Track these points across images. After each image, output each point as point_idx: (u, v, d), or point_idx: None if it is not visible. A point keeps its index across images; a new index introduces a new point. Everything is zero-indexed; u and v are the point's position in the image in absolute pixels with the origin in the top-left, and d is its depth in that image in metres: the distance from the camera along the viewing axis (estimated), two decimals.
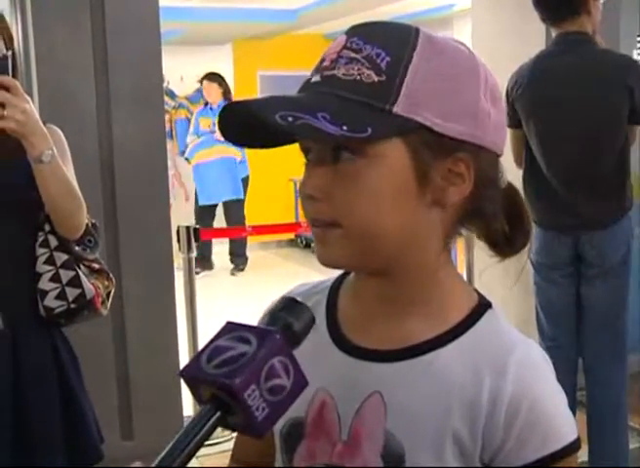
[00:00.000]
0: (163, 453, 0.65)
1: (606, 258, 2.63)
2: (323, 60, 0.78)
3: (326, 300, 0.89)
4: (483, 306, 0.84)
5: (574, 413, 2.66)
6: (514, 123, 2.65)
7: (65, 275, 1.82)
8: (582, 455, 2.77)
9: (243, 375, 0.65)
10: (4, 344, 1.78)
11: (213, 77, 6.84)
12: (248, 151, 6.98)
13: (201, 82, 6.95)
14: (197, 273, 6.65)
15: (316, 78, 0.77)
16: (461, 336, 0.80)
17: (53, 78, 2.75)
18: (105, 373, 2.86)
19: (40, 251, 1.81)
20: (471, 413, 0.77)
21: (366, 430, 0.81)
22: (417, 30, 0.78)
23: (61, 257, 1.82)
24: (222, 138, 0.82)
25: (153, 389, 2.94)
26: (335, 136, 0.71)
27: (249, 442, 0.95)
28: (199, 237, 3.49)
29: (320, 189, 0.77)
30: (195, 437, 0.66)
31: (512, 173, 2.85)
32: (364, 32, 0.78)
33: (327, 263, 0.81)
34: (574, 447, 0.80)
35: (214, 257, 7.11)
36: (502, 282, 3.50)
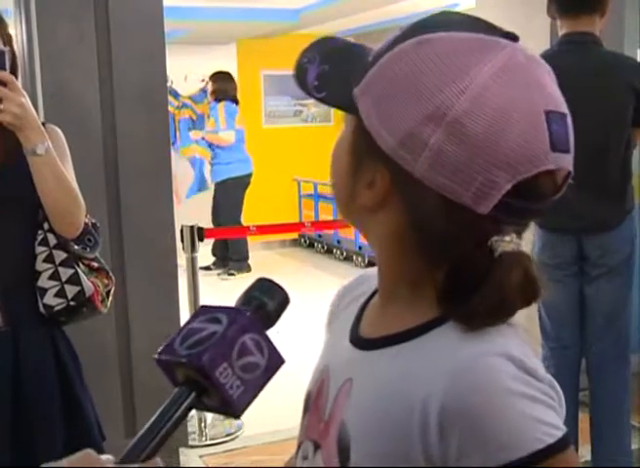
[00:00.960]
0: (137, 437, 0.65)
1: (610, 258, 2.62)
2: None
3: (372, 290, 0.89)
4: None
5: (576, 414, 2.67)
6: None
7: (64, 273, 1.84)
8: (586, 455, 2.77)
9: (212, 353, 0.65)
10: (4, 342, 1.79)
11: (212, 77, 6.95)
12: (250, 150, 6.99)
13: (210, 80, 6.97)
14: (232, 274, 6.70)
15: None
16: (427, 334, 0.75)
17: (57, 78, 2.76)
18: (109, 373, 2.86)
19: (39, 249, 1.83)
20: (407, 419, 0.71)
21: (335, 415, 0.81)
22: (432, 30, 0.72)
23: (61, 255, 1.84)
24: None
25: (157, 388, 2.94)
26: (305, 85, 0.77)
27: None
28: (203, 236, 3.50)
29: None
30: (170, 420, 0.66)
31: None
32: (425, 21, 0.75)
33: None
34: (528, 461, 0.67)
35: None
36: None
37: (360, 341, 0.83)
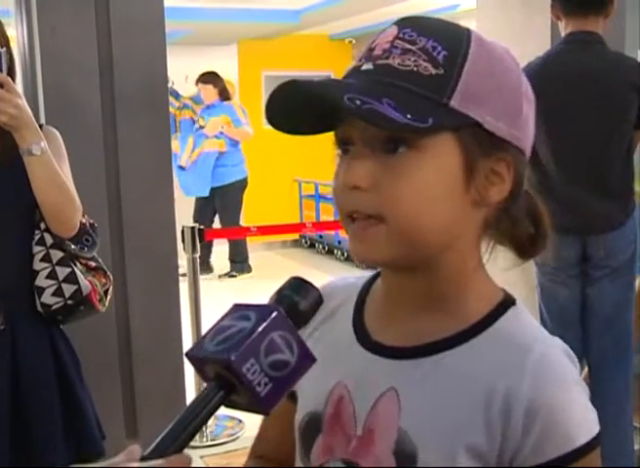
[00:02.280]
0: (165, 431, 0.66)
1: (614, 259, 2.62)
2: (372, 49, 0.78)
3: (357, 296, 0.90)
4: (505, 305, 0.83)
5: None
6: None
7: (62, 272, 1.85)
8: None
9: (240, 350, 0.65)
10: (3, 341, 1.79)
11: (206, 78, 6.67)
12: (251, 151, 6.99)
13: (197, 84, 6.77)
14: (234, 276, 6.60)
15: (368, 66, 0.77)
16: (478, 336, 0.79)
17: (58, 79, 2.76)
18: (110, 372, 2.86)
19: (37, 248, 1.84)
20: (486, 415, 0.76)
21: (380, 426, 0.80)
22: (468, 29, 0.79)
23: (57, 255, 1.85)
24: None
25: (158, 387, 2.94)
26: (400, 123, 0.71)
27: (269, 435, 0.99)
28: (203, 237, 3.50)
29: (369, 179, 0.75)
30: (198, 415, 0.66)
31: None
32: (416, 24, 0.78)
33: (365, 260, 0.81)
34: (593, 445, 0.77)
35: (212, 260, 6.98)
36: (505, 281, 3.50)
37: (392, 352, 0.82)
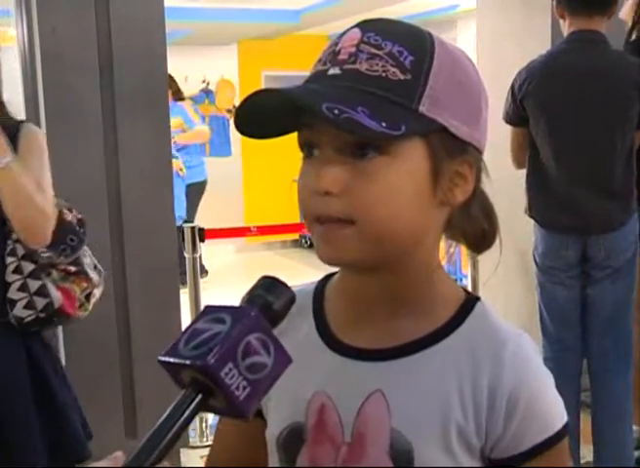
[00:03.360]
0: (144, 440, 0.64)
1: (615, 260, 2.62)
2: (337, 53, 0.78)
3: (312, 303, 0.89)
4: (471, 301, 0.85)
5: (578, 415, 2.67)
6: (519, 120, 2.63)
7: (33, 285, 1.84)
8: (587, 455, 2.77)
9: (217, 354, 0.63)
10: None
11: None
12: (251, 151, 6.99)
13: None
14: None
15: (335, 71, 0.77)
16: (455, 332, 0.82)
17: (58, 78, 2.76)
18: (110, 372, 2.86)
19: (9, 259, 1.84)
20: (473, 407, 0.79)
21: (370, 429, 0.80)
22: (429, 33, 0.80)
23: (28, 267, 1.85)
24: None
25: (157, 388, 2.94)
26: (375, 131, 0.71)
27: (230, 442, 0.98)
28: (204, 237, 3.49)
29: (339, 185, 0.75)
30: (177, 422, 0.64)
31: (504, 170, 2.84)
32: (380, 28, 0.79)
33: (333, 262, 0.81)
34: (565, 431, 0.82)
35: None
36: (505, 280, 3.50)
37: (370, 355, 0.82)
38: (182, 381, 0.66)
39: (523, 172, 2.71)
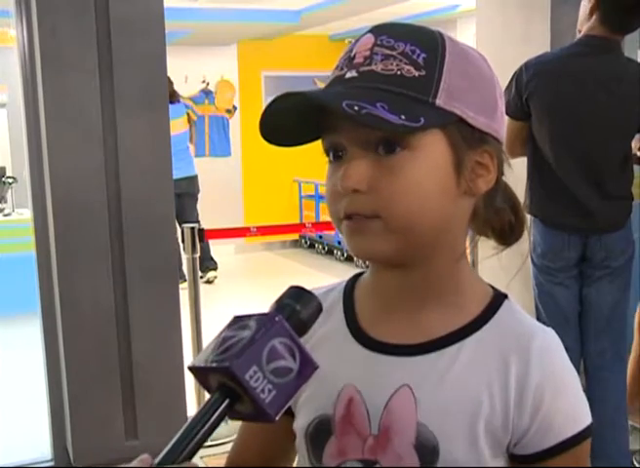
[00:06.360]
0: (171, 443, 0.65)
1: (614, 260, 2.63)
2: (353, 58, 0.80)
3: (342, 300, 0.91)
4: (499, 297, 0.87)
5: None
6: (520, 115, 2.62)
7: None
8: None
9: (241, 357, 0.65)
10: None
11: None
12: (251, 151, 6.99)
13: None
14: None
15: (352, 74, 0.79)
16: (484, 327, 0.83)
17: (58, 79, 2.76)
18: (110, 373, 2.86)
19: None
20: (501, 402, 0.80)
21: (397, 423, 0.82)
22: (439, 32, 0.82)
23: None
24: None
25: (158, 389, 2.95)
26: (396, 124, 0.74)
27: (250, 444, 0.97)
28: (204, 237, 3.49)
29: (366, 182, 0.78)
30: (203, 426, 0.66)
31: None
32: (391, 31, 0.81)
33: (364, 255, 0.83)
34: (589, 432, 0.83)
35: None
36: (500, 276, 3.50)
37: (399, 350, 0.84)
38: (211, 388, 0.68)
39: (521, 169, 2.71)
